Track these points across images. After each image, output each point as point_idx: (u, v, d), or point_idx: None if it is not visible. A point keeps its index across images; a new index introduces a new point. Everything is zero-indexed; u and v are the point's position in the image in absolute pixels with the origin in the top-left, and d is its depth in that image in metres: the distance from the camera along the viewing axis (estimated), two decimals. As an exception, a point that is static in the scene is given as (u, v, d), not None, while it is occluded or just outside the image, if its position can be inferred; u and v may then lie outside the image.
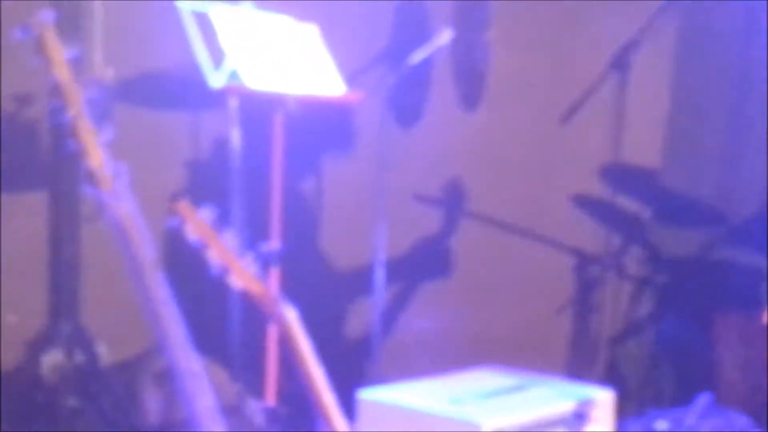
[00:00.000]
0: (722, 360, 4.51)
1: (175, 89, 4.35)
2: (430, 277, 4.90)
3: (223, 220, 2.44)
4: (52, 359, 4.01)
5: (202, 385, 2.40)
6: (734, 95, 5.09)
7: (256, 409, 3.94)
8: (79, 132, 2.32)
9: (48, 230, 4.20)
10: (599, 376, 4.86)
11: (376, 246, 4.12)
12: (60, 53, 2.33)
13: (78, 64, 2.39)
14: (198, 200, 4.37)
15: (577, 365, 4.90)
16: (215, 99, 3.93)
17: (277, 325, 2.48)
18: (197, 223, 2.43)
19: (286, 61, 3.94)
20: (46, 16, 2.35)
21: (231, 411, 3.70)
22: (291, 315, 2.49)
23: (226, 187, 4.01)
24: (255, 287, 2.46)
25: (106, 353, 4.14)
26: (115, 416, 3.99)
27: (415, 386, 3.69)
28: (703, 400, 4.00)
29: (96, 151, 2.33)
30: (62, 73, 2.33)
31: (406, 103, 4.66)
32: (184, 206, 2.43)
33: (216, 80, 3.80)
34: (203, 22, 3.78)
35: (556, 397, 3.68)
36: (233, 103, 3.93)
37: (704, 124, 5.20)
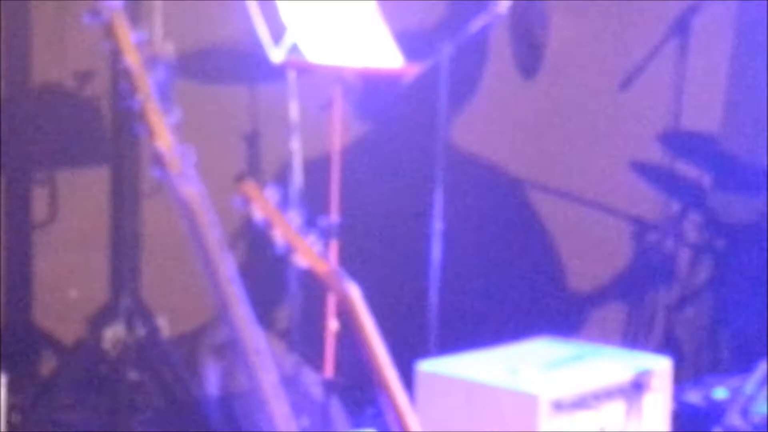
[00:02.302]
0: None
1: (233, 63, 4.38)
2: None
3: (283, 196, 2.46)
4: (113, 333, 4.04)
5: (266, 360, 2.43)
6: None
7: (314, 381, 3.97)
8: (149, 115, 2.34)
9: (109, 205, 4.23)
10: (657, 343, 4.86)
11: (434, 215, 4.12)
12: (129, 37, 2.34)
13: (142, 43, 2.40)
14: (257, 174, 4.44)
15: (635, 332, 4.89)
16: (274, 72, 3.94)
17: (341, 302, 2.51)
18: (262, 203, 2.45)
19: (344, 34, 3.94)
20: (115, 1, 2.36)
21: (289, 382, 3.74)
22: (354, 292, 2.51)
23: (285, 160, 4.03)
24: (320, 266, 2.48)
25: (166, 326, 4.18)
26: (175, 389, 4.03)
27: (473, 357, 3.71)
28: (763, 367, 3.98)
29: (164, 134, 2.34)
30: (132, 57, 2.34)
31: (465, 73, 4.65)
32: (249, 186, 2.45)
33: (277, 54, 3.81)
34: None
35: (613, 366, 3.68)
36: (292, 76, 3.94)
37: (764, 89, 5.14)
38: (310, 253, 2.47)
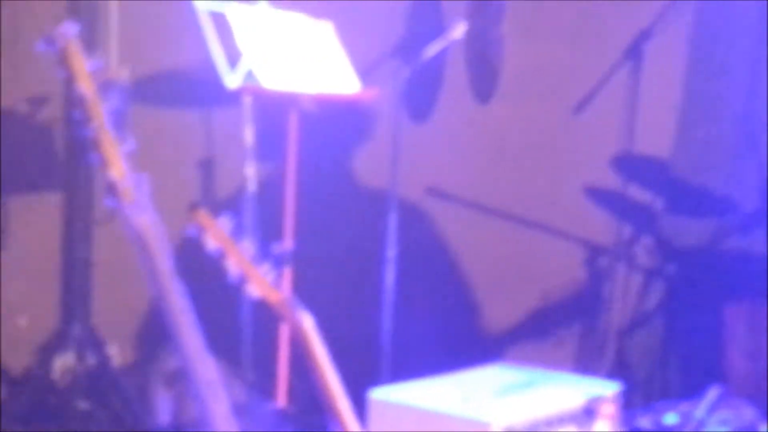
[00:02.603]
0: (731, 351, 4.52)
1: (189, 88, 4.36)
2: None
3: (237, 223, 2.46)
4: (63, 362, 4.01)
5: (217, 391, 2.42)
6: (745, 85, 5.09)
7: (266, 410, 3.96)
8: (102, 144, 2.32)
9: (61, 232, 4.21)
10: (608, 367, 4.88)
11: (387, 242, 4.13)
12: (83, 65, 2.33)
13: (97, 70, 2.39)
14: (211, 200, 4.43)
15: (587, 357, 4.91)
16: (229, 97, 3.94)
17: (294, 331, 2.50)
18: (216, 232, 2.44)
19: (301, 60, 3.94)
20: (70, 28, 2.34)
21: (240, 411, 3.72)
22: (308, 322, 2.51)
23: (239, 186, 4.02)
24: (273, 296, 2.48)
25: (117, 355, 4.15)
26: (126, 418, 3.99)
27: (425, 385, 3.70)
28: (713, 392, 4.01)
29: (118, 163, 2.33)
30: (86, 85, 2.32)
31: (420, 97, 4.66)
32: (202, 215, 2.44)
33: (232, 80, 3.81)
34: (219, 21, 3.78)
35: (565, 393, 3.69)
36: (247, 101, 3.94)
37: (715, 114, 5.19)
38: (264, 283, 2.47)
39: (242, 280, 2.46)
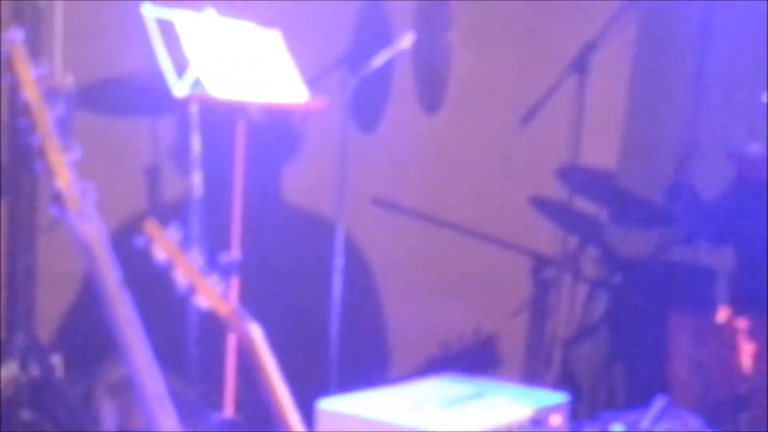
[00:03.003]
0: (676, 360, 4.54)
1: (135, 95, 4.32)
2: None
3: (184, 234, 2.43)
4: (6, 371, 3.95)
5: (165, 404, 2.39)
6: (689, 98, 5.13)
7: (214, 420, 3.92)
8: (48, 153, 2.29)
9: (4, 240, 4.14)
10: (554, 377, 4.89)
11: (335, 251, 4.11)
12: (29, 72, 2.29)
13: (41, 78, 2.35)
14: (157, 209, 4.38)
15: (532, 367, 4.92)
16: (175, 105, 3.90)
17: (242, 342, 2.48)
18: (165, 243, 2.42)
19: (249, 69, 3.91)
20: (15, 34, 2.30)
21: (188, 422, 3.69)
22: (256, 333, 2.49)
23: (185, 195, 3.99)
24: (221, 307, 2.46)
25: (60, 365, 4.10)
26: (71, 428, 3.94)
27: (374, 395, 3.69)
28: (659, 402, 4.03)
29: (64, 172, 2.29)
30: (31, 92, 2.28)
31: (367, 107, 4.66)
32: (152, 226, 2.41)
33: (179, 89, 3.78)
34: (166, 28, 3.75)
35: (513, 403, 3.70)
36: (194, 109, 3.91)
37: (659, 126, 5.24)
38: (212, 293, 2.45)
39: (190, 291, 2.44)
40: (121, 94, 4.34)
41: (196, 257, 2.43)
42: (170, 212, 4.33)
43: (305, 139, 4.71)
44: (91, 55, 4.19)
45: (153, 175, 4.50)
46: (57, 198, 2.30)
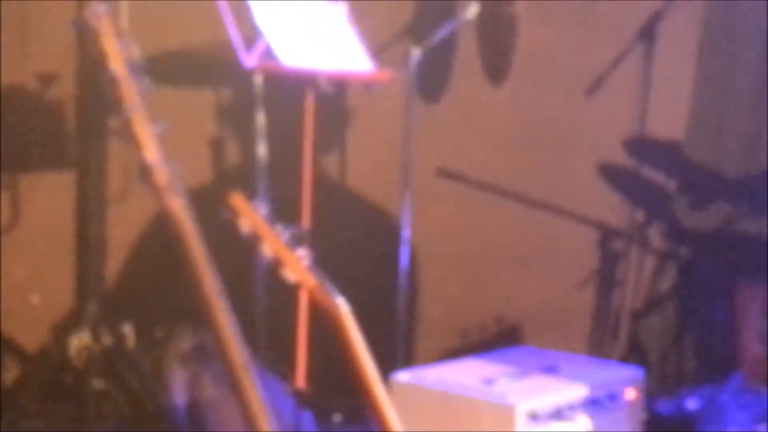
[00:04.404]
0: (745, 334, 4.49)
1: (199, 67, 4.30)
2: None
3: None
4: (78, 340, 3.98)
5: (251, 375, 2.37)
6: (759, 68, 5.04)
7: (282, 391, 3.91)
8: (135, 126, 2.26)
9: (74, 210, 4.17)
10: (621, 351, 4.85)
11: (402, 223, 4.08)
12: (115, 44, 2.26)
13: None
14: (221, 181, 4.37)
15: (600, 340, 4.87)
16: (240, 77, 3.87)
17: (329, 318, 2.44)
18: (251, 216, 2.38)
19: (317, 40, 3.87)
20: (99, 6, 2.28)
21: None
22: (344, 308, 2.45)
23: (251, 167, 3.96)
24: (309, 280, 2.42)
25: (132, 334, 4.11)
26: (141, 397, 3.96)
27: (449, 368, 3.67)
28: (734, 377, 3.99)
29: (152, 145, 2.27)
30: (117, 64, 2.26)
31: (432, 78, 4.60)
32: (238, 200, 2.38)
33: (249, 58, 3.74)
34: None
35: (588, 377, 3.67)
36: (258, 81, 3.87)
37: (729, 96, 5.15)
38: (299, 267, 2.41)
39: (277, 265, 2.40)
40: (185, 66, 4.31)
41: (282, 231, 2.40)
42: (234, 184, 4.30)
43: (370, 111, 4.66)
44: (155, 26, 4.16)
45: (217, 146, 4.48)
46: (146, 172, 2.27)
